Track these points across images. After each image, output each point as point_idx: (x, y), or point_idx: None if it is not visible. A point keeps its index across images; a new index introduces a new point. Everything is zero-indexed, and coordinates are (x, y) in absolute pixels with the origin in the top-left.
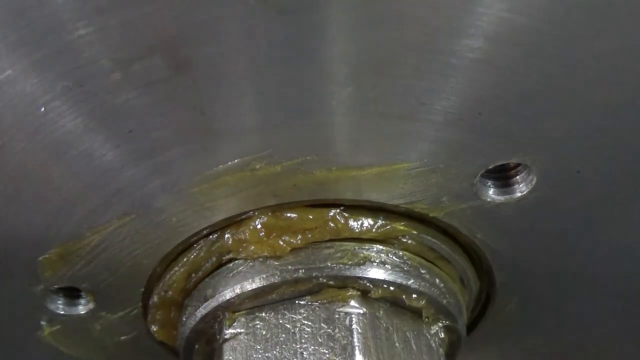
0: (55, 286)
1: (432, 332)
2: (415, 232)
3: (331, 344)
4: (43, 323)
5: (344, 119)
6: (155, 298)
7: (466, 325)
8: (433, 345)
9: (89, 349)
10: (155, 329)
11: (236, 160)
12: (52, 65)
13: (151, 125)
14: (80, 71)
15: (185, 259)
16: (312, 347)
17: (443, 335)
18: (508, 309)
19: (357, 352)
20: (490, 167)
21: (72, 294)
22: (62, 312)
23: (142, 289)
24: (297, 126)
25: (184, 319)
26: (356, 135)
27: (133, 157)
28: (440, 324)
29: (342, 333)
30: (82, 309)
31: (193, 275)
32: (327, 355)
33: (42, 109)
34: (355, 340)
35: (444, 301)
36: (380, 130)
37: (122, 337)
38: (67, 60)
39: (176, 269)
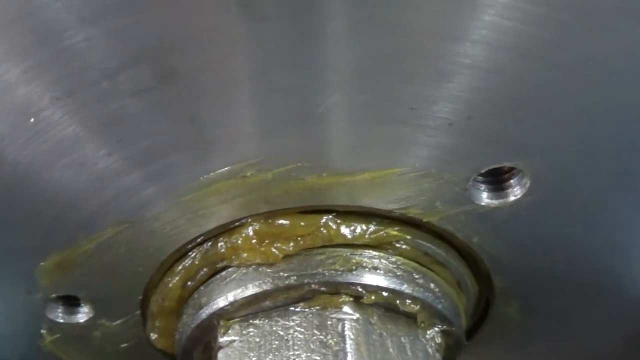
0: (54, 295)
1: (428, 336)
2: (409, 237)
3: (324, 350)
4: (43, 332)
5: (334, 125)
6: (152, 306)
7: (467, 329)
8: (429, 350)
9: (90, 357)
10: (154, 337)
11: (227, 168)
12: (40, 76)
13: (141, 134)
14: (69, 81)
15: (180, 267)
16: (305, 354)
17: (440, 340)
18: (509, 313)
19: (349, 358)
20: (482, 171)
21: (71, 303)
22: (61, 321)
23: (140, 297)
24: (287, 133)
25: (180, 327)
26: (347, 141)
27: (125, 165)
28: (436, 329)
29: (335, 339)
30: (81, 317)
31: (188, 283)
32: None
33: (32, 120)
34: (348, 346)
35: (439, 306)
36: (371, 135)
37: (122, 345)
38: (55, 70)
39: (172, 277)
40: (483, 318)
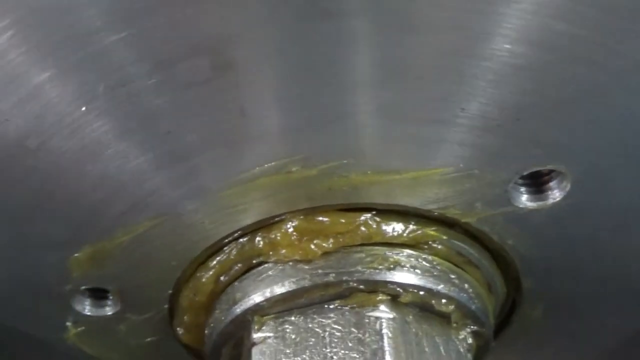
0: (83, 287)
1: (461, 337)
2: (445, 237)
3: (361, 348)
4: (68, 324)
5: (381, 123)
6: (183, 301)
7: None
8: (461, 350)
9: (112, 350)
10: (181, 332)
11: (272, 163)
12: (94, 66)
13: (189, 127)
14: (124, 71)
15: (214, 262)
16: (342, 352)
17: (471, 341)
18: (534, 315)
19: (387, 356)
20: (524, 174)
21: (99, 295)
22: (88, 313)
23: (170, 292)
24: (335, 129)
25: (212, 322)
26: (393, 139)
27: (169, 158)
28: (468, 330)
29: (373, 337)
30: (108, 310)
31: (222, 278)
32: None
33: (83, 109)
34: (386, 344)
35: (473, 306)
36: (417, 135)
37: (146, 339)
38: (112, 59)
39: (205, 271)
40: (506, 321)
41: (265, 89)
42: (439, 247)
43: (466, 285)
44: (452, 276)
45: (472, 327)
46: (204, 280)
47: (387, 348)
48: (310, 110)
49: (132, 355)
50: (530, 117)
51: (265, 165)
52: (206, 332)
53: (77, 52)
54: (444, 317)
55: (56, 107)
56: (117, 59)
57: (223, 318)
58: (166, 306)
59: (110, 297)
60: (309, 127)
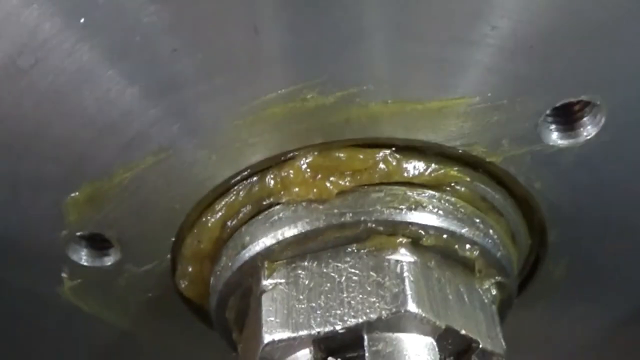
0: (80, 232)
1: (485, 287)
2: (468, 179)
3: (381, 292)
4: (64, 276)
5: (404, 43)
6: (186, 249)
7: None
8: (486, 301)
9: (110, 308)
10: (184, 285)
11: (286, 89)
12: None
13: (197, 45)
14: None
15: (221, 205)
16: (360, 296)
17: (495, 292)
18: (556, 274)
19: (409, 300)
20: (557, 105)
21: (97, 245)
22: (85, 264)
23: (173, 239)
24: (353, 51)
25: (218, 271)
26: (415, 63)
27: (175, 82)
28: (492, 280)
29: (393, 281)
30: (107, 260)
31: (229, 222)
32: (377, 304)
33: (82, 20)
34: (408, 288)
35: (498, 254)
36: (442, 57)
37: (147, 295)
38: None
39: (211, 215)
40: (528, 278)
41: (280, 4)
42: (462, 189)
43: (491, 231)
44: (477, 220)
45: (497, 277)
46: (209, 225)
47: (409, 292)
48: (327, 29)
49: (131, 314)
50: (565, 39)
51: (279, 92)
52: (212, 281)
53: None
54: (468, 265)
55: (52, 20)
56: None
57: (230, 264)
58: (169, 256)
59: (109, 247)
60: (326, 49)
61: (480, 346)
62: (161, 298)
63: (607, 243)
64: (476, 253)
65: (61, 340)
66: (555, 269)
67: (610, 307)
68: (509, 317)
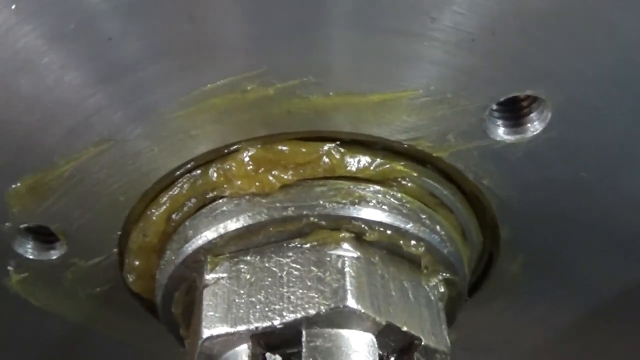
0: (24, 225)
1: (431, 284)
2: (415, 174)
3: (321, 287)
4: (10, 269)
5: (344, 35)
6: (132, 243)
7: (468, 286)
8: (432, 297)
9: (59, 302)
10: (131, 279)
11: (226, 79)
12: None
13: (133, 33)
14: None
15: (165, 198)
16: (300, 291)
17: (443, 290)
18: (512, 270)
19: (349, 295)
20: (502, 99)
21: (43, 238)
22: (31, 257)
23: (119, 232)
24: (294, 42)
25: (163, 264)
26: (358, 55)
27: (112, 71)
28: (440, 277)
29: (334, 276)
30: (53, 253)
31: (174, 216)
32: (317, 300)
33: (13, 7)
34: (348, 283)
35: (445, 250)
36: (384, 50)
37: (95, 289)
38: None
39: (156, 208)
40: (483, 277)
41: None
42: (409, 184)
43: (438, 227)
44: (423, 216)
45: (444, 274)
46: (154, 218)
47: (349, 287)
48: (268, 18)
49: (81, 308)
50: (508, 31)
51: (218, 82)
52: (157, 276)
53: None
54: (414, 262)
55: None
56: None
57: (174, 259)
58: (115, 250)
59: (54, 240)
60: (266, 39)
61: (423, 343)
62: (111, 292)
63: (561, 239)
64: (422, 249)
65: (13, 333)
66: (510, 266)
67: (568, 306)
68: (466, 317)
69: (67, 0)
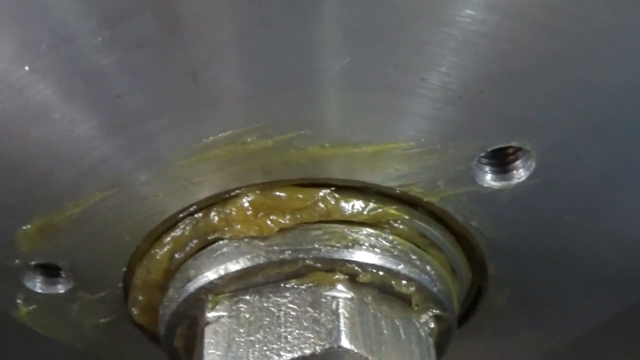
0: (33, 262)
1: (422, 321)
2: (407, 217)
3: (317, 328)
4: (19, 302)
5: (339, 91)
6: (137, 279)
7: (458, 318)
8: (422, 334)
9: (66, 331)
10: (136, 312)
11: (227, 132)
12: (36, 22)
13: (139, 91)
14: (69, 27)
15: (169, 238)
16: (297, 331)
17: (433, 325)
18: (498, 303)
19: (343, 336)
20: (488, 150)
21: (50, 273)
22: (39, 291)
23: (124, 269)
24: (291, 98)
25: (166, 301)
26: (352, 110)
27: (119, 124)
28: (430, 313)
29: (329, 317)
30: (60, 287)
31: (177, 255)
32: (312, 340)
33: (27, 68)
34: (342, 324)
35: (435, 289)
36: (377, 105)
37: (100, 320)
38: (55, 14)
39: (159, 248)
40: (472, 309)
41: (217, 50)
42: (401, 227)
43: (428, 267)
44: (413, 257)
45: (434, 310)
46: (158, 257)
47: (343, 328)
48: (266, 75)
49: (87, 337)
50: (493, 88)
51: (220, 135)
52: (160, 312)
53: (17, 6)
54: (405, 300)
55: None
56: (60, 15)
57: (177, 297)
58: (120, 285)
59: (62, 274)
60: (264, 95)
61: None
62: (116, 323)
63: (545, 275)
64: (412, 289)
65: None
66: (497, 299)
67: (552, 334)
68: (454, 347)
69: (75, 62)
